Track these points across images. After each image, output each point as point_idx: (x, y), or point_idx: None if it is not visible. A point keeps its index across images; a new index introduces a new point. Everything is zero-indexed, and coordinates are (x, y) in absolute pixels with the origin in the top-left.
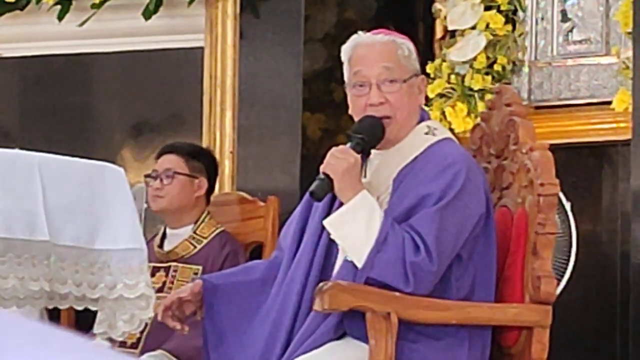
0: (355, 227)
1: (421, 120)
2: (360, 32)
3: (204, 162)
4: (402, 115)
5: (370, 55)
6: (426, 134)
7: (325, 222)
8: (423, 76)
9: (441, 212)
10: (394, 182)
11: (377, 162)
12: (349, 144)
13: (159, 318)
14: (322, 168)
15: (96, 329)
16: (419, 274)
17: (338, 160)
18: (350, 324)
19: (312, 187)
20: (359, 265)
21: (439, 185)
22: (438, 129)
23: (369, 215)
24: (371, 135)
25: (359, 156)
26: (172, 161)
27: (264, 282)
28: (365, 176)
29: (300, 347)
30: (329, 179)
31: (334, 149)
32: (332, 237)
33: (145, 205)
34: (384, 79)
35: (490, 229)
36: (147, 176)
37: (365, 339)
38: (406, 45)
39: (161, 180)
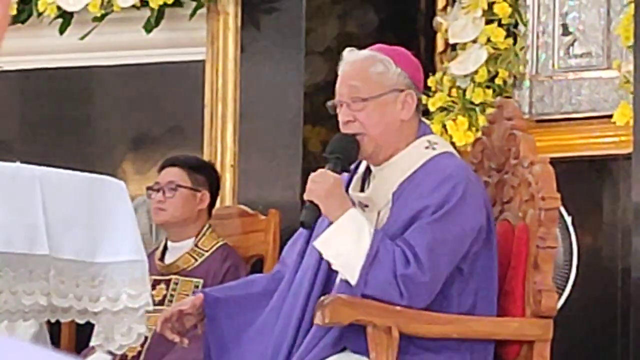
0: (345, 246)
1: (423, 134)
2: (349, 49)
3: (207, 176)
4: (376, 132)
5: (344, 74)
6: (426, 148)
7: (316, 243)
8: (409, 91)
9: (436, 224)
10: (394, 196)
11: (377, 177)
12: (327, 166)
13: (158, 329)
14: (305, 196)
15: (93, 341)
16: (411, 286)
17: (318, 184)
18: (350, 337)
19: (301, 217)
20: (353, 283)
21: (436, 198)
22: (439, 143)
23: (358, 233)
24: (346, 153)
25: (338, 176)
26: (175, 174)
27: (265, 295)
28: (363, 191)
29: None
30: (314, 205)
31: (312, 174)
32: (324, 257)
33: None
34: (351, 97)
35: (491, 242)
36: (149, 189)
37: (365, 353)
38: (385, 62)
39: (164, 193)
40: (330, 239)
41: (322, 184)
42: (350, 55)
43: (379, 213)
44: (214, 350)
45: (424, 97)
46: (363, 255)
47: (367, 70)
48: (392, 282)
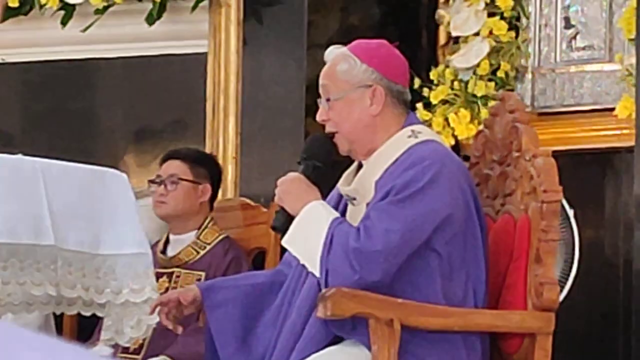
0: (305, 240)
1: (409, 125)
2: (331, 47)
3: (208, 168)
4: (345, 129)
5: (320, 73)
6: (409, 137)
7: (283, 242)
8: (377, 86)
9: (395, 203)
10: (376, 185)
11: (362, 170)
12: (299, 169)
13: (149, 312)
14: (275, 202)
15: (103, 335)
16: (361, 258)
17: (280, 187)
18: (350, 328)
19: (271, 223)
20: (317, 274)
21: (403, 179)
22: (422, 132)
23: (316, 224)
24: (315, 154)
25: (297, 174)
26: (176, 167)
27: (269, 287)
28: (350, 184)
29: (292, 352)
30: (281, 208)
31: (279, 180)
32: (293, 254)
33: None
34: (324, 97)
35: (475, 231)
36: (151, 182)
37: (364, 343)
38: (350, 59)
39: (165, 186)
40: (294, 236)
41: (282, 186)
42: (328, 53)
43: (367, 205)
44: (219, 340)
45: (425, 90)
46: (320, 246)
47: (334, 70)
48: (344, 260)
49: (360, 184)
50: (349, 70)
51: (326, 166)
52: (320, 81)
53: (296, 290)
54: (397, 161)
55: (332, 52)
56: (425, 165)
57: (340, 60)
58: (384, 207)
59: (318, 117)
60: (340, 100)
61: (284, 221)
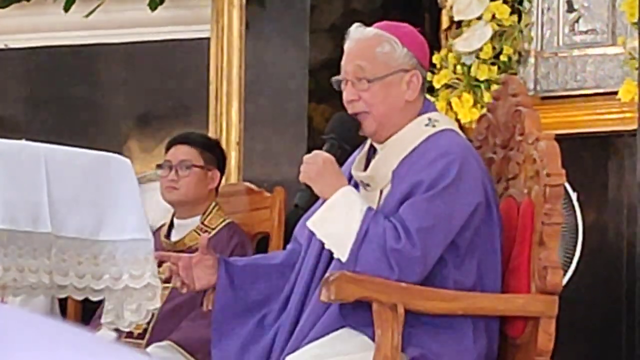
0: (336, 224)
1: (425, 111)
2: (356, 25)
3: (216, 154)
4: (379, 111)
5: (350, 51)
6: (426, 125)
7: (308, 223)
8: (415, 71)
9: (429, 201)
10: (393, 174)
11: (378, 156)
12: (324, 147)
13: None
14: (300, 179)
15: (104, 318)
16: (402, 260)
17: (308, 166)
18: (347, 312)
19: (295, 200)
20: (343, 260)
21: (431, 174)
22: (439, 120)
23: (349, 211)
24: (342, 133)
25: (329, 155)
26: (187, 153)
27: (284, 267)
28: (366, 170)
29: (306, 337)
30: (307, 187)
31: (305, 156)
32: (318, 237)
33: None
34: (357, 76)
35: (492, 220)
36: (159, 166)
37: (366, 329)
38: (392, 41)
39: (176, 171)
40: (322, 219)
41: (312, 165)
42: (356, 32)
43: (381, 192)
44: (226, 315)
45: (429, 74)
46: (353, 234)
47: (373, 50)
48: (382, 257)
49: (376, 171)
50: (390, 52)
51: (352, 149)
52: (354, 60)
53: (314, 272)
54: (414, 151)
55: (361, 32)
56: (451, 160)
57: (382, 42)
58: (417, 204)
59: (347, 97)
60: (377, 82)
61: (308, 200)
